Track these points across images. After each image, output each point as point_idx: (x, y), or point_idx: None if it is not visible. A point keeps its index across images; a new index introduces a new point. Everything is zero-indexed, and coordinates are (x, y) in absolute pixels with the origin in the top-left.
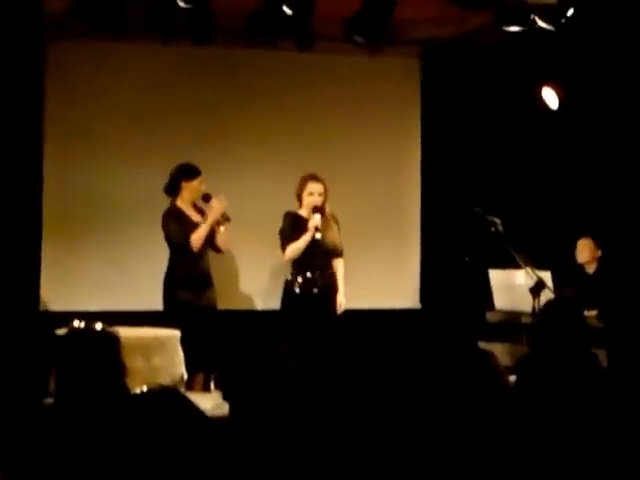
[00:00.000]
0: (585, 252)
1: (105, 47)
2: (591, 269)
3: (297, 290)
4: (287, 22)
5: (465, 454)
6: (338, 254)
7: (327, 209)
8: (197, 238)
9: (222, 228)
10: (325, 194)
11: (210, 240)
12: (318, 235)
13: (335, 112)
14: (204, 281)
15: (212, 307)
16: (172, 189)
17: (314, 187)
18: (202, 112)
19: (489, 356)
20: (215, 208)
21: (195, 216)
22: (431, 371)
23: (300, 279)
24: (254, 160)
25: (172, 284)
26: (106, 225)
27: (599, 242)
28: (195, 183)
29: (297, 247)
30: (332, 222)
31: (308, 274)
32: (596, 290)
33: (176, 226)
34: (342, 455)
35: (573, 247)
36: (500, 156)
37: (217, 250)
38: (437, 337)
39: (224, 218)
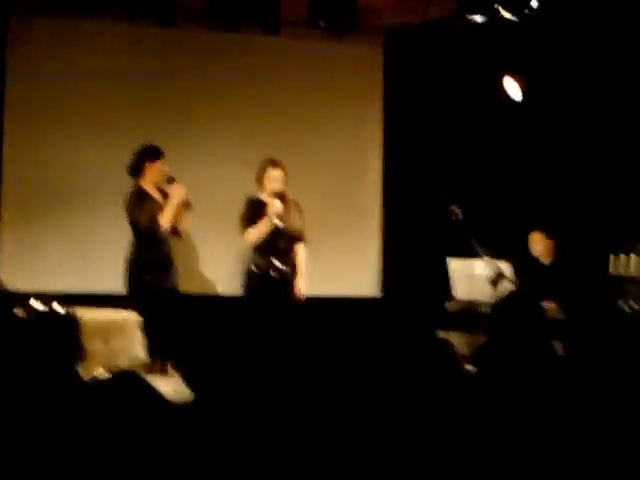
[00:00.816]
0: (538, 244)
1: (66, 26)
2: (547, 260)
3: (257, 274)
4: (252, 5)
5: (423, 443)
6: (299, 239)
7: (289, 195)
8: (166, 221)
9: (184, 214)
10: (285, 180)
11: (172, 225)
12: (278, 221)
13: (298, 98)
14: (167, 265)
15: (174, 291)
16: (136, 170)
17: (274, 173)
18: (164, 94)
19: (446, 344)
20: (177, 193)
21: (159, 198)
22: (390, 360)
23: (260, 263)
24: (216, 144)
25: (136, 267)
26: (66, 206)
27: (551, 234)
28: (158, 164)
29: (257, 231)
30: (293, 208)
31: (268, 259)
32: (553, 281)
33: (141, 209)
34: (300, 443)
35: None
36: (462, 145)
37: (177, 235)
38: (396, 325)
39: (185, 205)
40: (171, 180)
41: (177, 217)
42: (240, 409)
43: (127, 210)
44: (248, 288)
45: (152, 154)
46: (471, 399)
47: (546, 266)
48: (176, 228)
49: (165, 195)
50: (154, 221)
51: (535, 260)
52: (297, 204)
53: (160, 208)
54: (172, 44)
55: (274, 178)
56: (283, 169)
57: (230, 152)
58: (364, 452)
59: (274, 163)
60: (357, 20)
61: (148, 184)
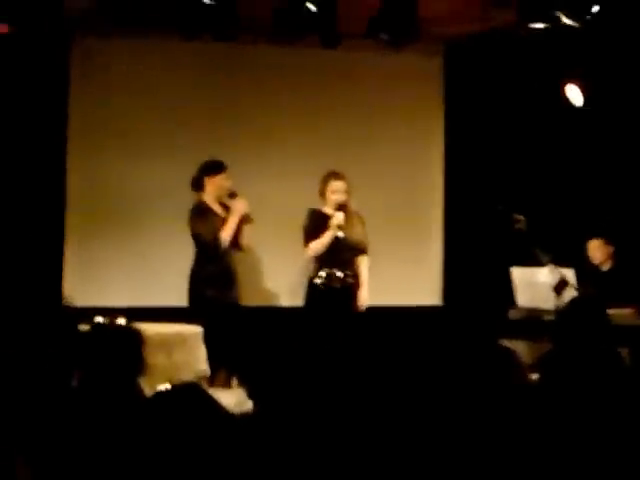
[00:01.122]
0: (597, 252)
1: (129, 43)
2: (606, 267)
3: (320, 286)
4: (311, 19)
5: (488, 451)
6: (362, 251)
7: (351, 206)
8: (226, 235)
9: (245, 228)
10: (348, 191)
11: (234, 238)
12: (340, 233)
13: (359, 110)
14: (229, 278)
15: (236, 304)
16: (198, 184)
17: (337, 185)
18: (226, 109)
19: (510, 353)
20: (238, 207)
21: (221, 212)
22: (453, 368)
23: (323, 275)
24: (278, 157)
25: (199, 281)
26: (129, 220)
27: (610, 240)
28: (218, 179)
29: (320, 244)
30: (356, 219)
31: (331, 270)
32: (614, 288)
33: (203, 223)
34: (364, 453)
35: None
36: (524, 153)
37: (239, 248)
38: (459, 334)
39: (247, 219)
40: (233, 195)
41: (238, 231)
42: (304, 421)
43: (190, 224)
44: (311, 300)
45: (213, 169)
46: (536, 408)
47: (606, 273)
48: (238, 242)
49: (227, 209)
50: (215, 235)
51: (595, 268)
52: (360, 216)
53: (222, 222)
54: (233, 58)
55: (336, 190)
56: (345, 181)
57: (292, 165)
58: (430, 461)
59: (336, 175)
60: (418, 31)
61: (210, 198)
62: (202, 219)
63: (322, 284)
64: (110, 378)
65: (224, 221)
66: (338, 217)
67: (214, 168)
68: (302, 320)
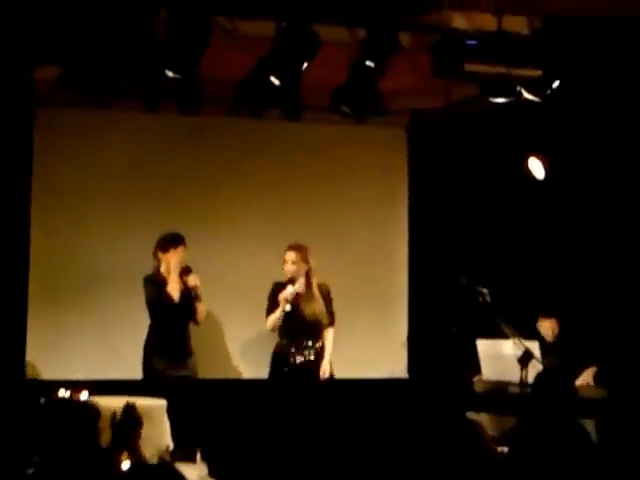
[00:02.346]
0: (549, 331)
1: (93, 113)
2: (551, 338)
3: (281, 359)
4: (274, 92)
5: None
6: (319, 324)
7: (314, 278)
8: (171, 289)
9: (198, 304)
10: (303, 262)
11: (190, 314)
12: (288, 307)
13: (322, 181)
14: (182, 350)
15: (190, 377)
16: (155, 256)
17: (287, 255)
18: (188, 180)
19: (476, 426)
20: (190, 282)
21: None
22: (419, 441)
23: (284, 349)
24: (241, 230)
25: (150, 353)
26: (89, 293)
27: (558, 316)
28: (170, 255)
29: (274, 317)
30: (316, 291)
31: (291, 343)
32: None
33: (152, 287)
34: None
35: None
36: (487, 226)
37: (195, 322)
38: (425, 407)
39: (195, 297)
40: (187, 270)
41: (194, 307)
42: None
43: (144, 292)
44: (274, 373)
45: (162, 245)
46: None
47: (552, 344)
48: (195, 317)
49: (184, 283)
50: (166, 301)
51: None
52: (325, 287)
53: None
54: (197, 130)
55: (287, 260)
56: (300, 252)
57: (255, 237)
58: None
59: (290, 247)
60: (379, 104)
61: (165, 270)
62: (152, 284)
63: (283, 357)
64: (69, 454)
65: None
66: (285, 291)
67: (164, 244)
68: (265, 393)
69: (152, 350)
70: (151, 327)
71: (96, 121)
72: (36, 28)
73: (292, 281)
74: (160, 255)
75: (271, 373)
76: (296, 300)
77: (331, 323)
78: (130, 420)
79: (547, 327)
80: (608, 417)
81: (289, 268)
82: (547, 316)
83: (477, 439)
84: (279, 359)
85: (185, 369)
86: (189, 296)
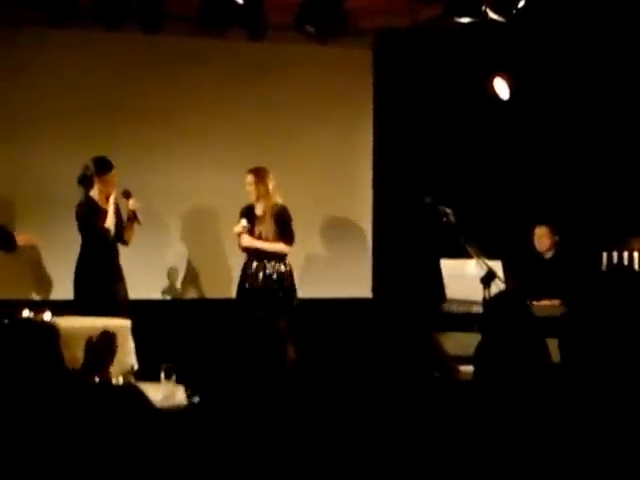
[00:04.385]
0: (543, 239)
1: (53, 33)
2: (548, 255)
3: (243, 281)
4: (238, 11)
5: (416, 445)
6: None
7: (274, 200)
8: (108, 224)
9: (134, 225)
10: (261, 184)
11: (119, 233)
12: (243, 241)
13: (287, 102)
14: (114, 273)
15: (123, 299)
16: (84, 181)
17: (246, 178)
18: (148, 102)
19: (433, 340)
20: (129, 205)
21: (108, 208)
22: (381, 360)
23: (245, 270)
24: (203, 152)
25: (83, 275)
26: (21, 215)
27: (555, 228)
28: (108, 177)
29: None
30: (268, 214)
31: (250, 264)
32: (554, 276)
33: (88, 216)
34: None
35: (527, 236)
36: (452, 146)
37: (124, 243)
38: (388, 326)
39: (135, 217)
40: (127, 194)
41: (126, 227)
42: (234, 413)
43: (77, 218)
44: (239, 291)
45: (101, 167)
46: (469, 400)
47: (547, 261)
48: (123, 237)
49: (116, 207)
50: (99, 228)
51: (537, 256)
52: (279, 208)
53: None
54: (158, 50)
55: (245, 183)
56: (255, 174)
57: (215, 159)
58: (357, 452)
59: (248, 170)
60: (344, 23)
61: (97, 195)
62: (88, 213)
63: (244, 279)
64: (28, 375)
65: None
66: (235, 228)
67: (103, 167)
68: (228, 311)
69: (85, 272)
70: (83, 250)
71: (56, 41)
72: None
73: (252, 207)
74: (96, 178)
75: (238, 292)
76: (254, 220)
77: (286, 242)
78: (106, 346)
79: (540, 234)
80: (570, 335)
81: (248, 189)
82: (540, 224)
83: (435, 353)
84: (242, 279)
85: (117, 290)
86: (121, 220)
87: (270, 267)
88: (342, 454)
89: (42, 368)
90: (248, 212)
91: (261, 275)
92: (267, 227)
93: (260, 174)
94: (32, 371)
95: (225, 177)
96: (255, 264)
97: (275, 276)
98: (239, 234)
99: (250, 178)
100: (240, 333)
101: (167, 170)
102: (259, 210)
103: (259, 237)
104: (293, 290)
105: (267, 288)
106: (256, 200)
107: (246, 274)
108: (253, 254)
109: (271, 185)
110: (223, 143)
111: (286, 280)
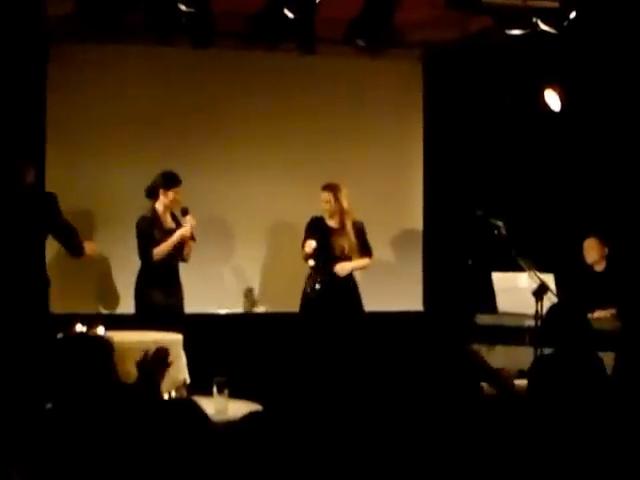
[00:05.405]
0: (593, 252)
1: (107, 49)
2: (599, 267)
3: (309, 292)
4: (289, 25)
5: (465, 453)
6: (348, 260)
7: (347, 215)
8: (158, 252)
9: (191, 243)
10: (334, 201)
11: (178, 251)
12: (311, 262)
13: (337, 115)
14: (173, 286)
15: (179, 311)
16: (151, 193)
17: (321, 196)
18: (203, 115)
19: (477, 356)
20: (186, 226)
21: (169, 223)
22: (430, 372)
23: (312, 282)
24: (254, 164)
25: (142, 287)
26: (94, 225)
27: (605, 240)
28: (172, 192)
29: (304, 253)
30: (348, 228)
31: (320, 277)
32: (606, 289)
33: (145, 234)
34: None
35: (578, 248)
36: (503, 159)
37: (183, 260)
38: (437, 339)
39: (191, 237)
40: (185, 212)
41: (184, 245)
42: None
43: (136, 231)
44: (303, 307)
45: (166, 182)
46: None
47: (598, 274)
48: (183, 255)
49: (177, 223)
50: (149, 250)
51: (588, 269)
52: (359, 225)
53: (165, 233)
54: (210, 64)
55: (322, 201)
56: (331, 191)
57: (268, 173)
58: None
59: (322, 187)
60: (394, 36)
61: (162, 208)
62: (147, 230)
63: (311, 291)
64: (82, 388)
65: (168, 232)
66: (306, 247)
67: (168, 182)
68: (291, 326)
69: (145, 285)
70: (143, 266)
71: (110, 56)
72: None
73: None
74: (161, 191)
75: (301, 306)
76: (328, 235)
77: (369, 256)
78: (159, 361)
79: (590, 246)
80: (626, 350)
81: (323, 207)
82: (590, 236)
83: (480, 369)
84: (306, 292)
85: (174, 303)
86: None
87: (338, 280)
88: (399, 464)
89: (96, 383)
90: (316, 226)
91: (329, 288)
92: (350, 243)
93: (337, 191)
94: (87, 386)
95: (279, 190)
96: (320, 277)
97: (343, 289)
98: (306, 255)
99: (327, 195)
100: (310, 347)
101: (221, 184)
102: (334, 224)
103: (342, 252)
104: (360, 304)
105: (334, 301)
106: (330, 216)
107: (314, 288)
108: (318, 266)
109: (347, 200)
110: (273, 156)
111: (354, 293)
